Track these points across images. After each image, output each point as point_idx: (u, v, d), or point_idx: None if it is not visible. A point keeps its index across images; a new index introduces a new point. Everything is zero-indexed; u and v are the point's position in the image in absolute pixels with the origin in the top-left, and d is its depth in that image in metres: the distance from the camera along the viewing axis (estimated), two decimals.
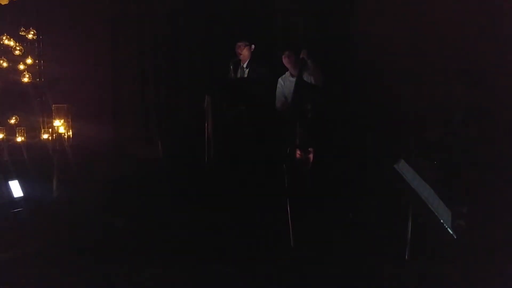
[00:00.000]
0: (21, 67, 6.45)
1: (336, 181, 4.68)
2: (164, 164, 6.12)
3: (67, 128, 6.29)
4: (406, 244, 3.51)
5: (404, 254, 3.54)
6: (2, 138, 6.10)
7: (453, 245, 3.13)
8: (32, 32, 6.58)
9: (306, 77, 4.87)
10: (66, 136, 6.26)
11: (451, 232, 2.95)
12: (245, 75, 5.13)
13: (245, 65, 5.14)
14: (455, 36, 4.70)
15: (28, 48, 6.59)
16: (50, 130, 6.26)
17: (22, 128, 6.24)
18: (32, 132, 6.30)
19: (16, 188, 5.22)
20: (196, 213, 4.82)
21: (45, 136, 6.22)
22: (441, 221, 2.95)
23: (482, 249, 3.57)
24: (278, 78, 5.13)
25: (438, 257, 3.54)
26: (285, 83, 5.01)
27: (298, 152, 4.68)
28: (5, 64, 6.38)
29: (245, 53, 5.09)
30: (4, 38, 6.45)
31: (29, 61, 6.51)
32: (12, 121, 6.34)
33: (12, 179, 5.24)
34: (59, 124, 6.26)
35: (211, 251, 4.08)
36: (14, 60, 6.46)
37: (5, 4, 6.28)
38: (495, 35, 4.61)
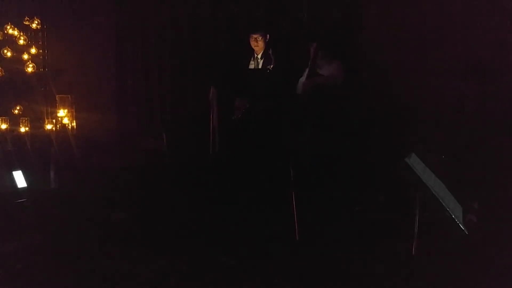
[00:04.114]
0: (25, 56, 6.41)
1: (344, 174, 4.65)
2: (168, 156, 6.08)
3: (71, 119, 6.27)
4: (413, 239, 3.47)
5: (411, 249, 3.50)
6: (6, 128, 6.08)
7: (463, 241, 3.10)
8: (36, 22, 6.52)
9: (325, 70, 4.82)
10: (70, 127, 6.24)
11: (462, 228, 2.92)
12: (260, 66, 5.04)
13: (259, 56, 5.06)
14: (466, 32, 4.66)
15: (32, 37, 6.54)
16: (54, 120, 6.24)
17: (26, 118, 6.21)
18: (36, 122, 6.27)
19: (19, 179, 5.20)
20: (200, 206, 4.80)
21: (49, 126, 6.19)
22: (452, 216, 2.92)
23: (494, 245, 3.55)
24: (291, 69, 5.06)
25: (447, 253, 3.51)
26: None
27: (305, 144, 4.65)
28: (9, 54, 6.34)
29: (260, 44, 5.01)
30: (8, 27, 6.40)
31: (33, 50, 6.47)
32: (16, 111, 6.31)
33: (16, 169, 5.22)
34: (63, 115, 6.24)
35: (215, 244, 4.06)
36: (18, 50, 6.42)
37: None
38: (504, 31, 4.57)
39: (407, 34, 4.96)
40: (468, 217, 3.30)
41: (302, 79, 4.91)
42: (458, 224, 2.95)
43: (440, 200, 2.97)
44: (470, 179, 4.09)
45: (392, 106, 5.01)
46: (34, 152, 5.93)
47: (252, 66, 5.13)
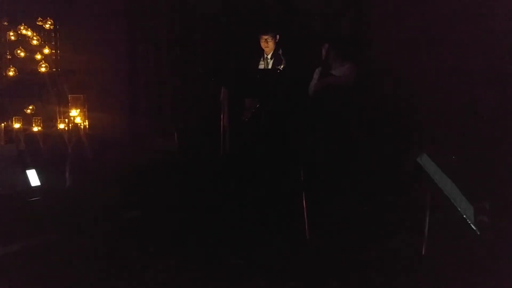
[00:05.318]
0: (38, 57, 6.48)
1: (354, 174, 4.66)
2: (179, 156, 6.11)
3: (83, 118, 6.34)
4: (423, 239, 3.47)
5: (421, 249, 3.50)
6: (19, 128, 6.15)
7: (475, 241, 3.10)
8: (49, 22, 6.60)
9: (337, 71, 4.83)
10: (82, 126, 6.30)
11: (474, 228, 2.91)
12: (270, 67, 5.06)
13: (269, 56, 5.08)
14: (482, 34, 4.64)
15: (45, 38, 6.62)
16: (66, 120, 6.30)
17: (39, 117, 6.28)
18: (49, 121, 6.33)
19: (33, 177, 5.24)
20: (211, 205, 4.82)
21: (61, 126, 6.25)
22: (464, 216, 2.91)
23: (505, 245, 3.53)
24: (301, 69, 5.08)
25: (458, 253, 3.51)
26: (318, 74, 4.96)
27: (315, 144, 4.66)
28: (22, 54, 6.41)
29: (270, 45, 5.03)
30: (21, 28, 6.48)
31: (46, 51, 6.54)
32: (29, 110, 6.38)
33: (29, 168, 5.26)
34: (75, 114, 6.30)
35: (225, 243, 4.07)
36: (31, 50, 6.49)
37: None
38: None
39: (421, 36, 4.95)
40: (480, 217, 3.28)
41: (314, 79, 4.92)
42: (470, 224, 2.95)
43: (451, 200, 2.97)
44: (482, 179, 4.07)
45: (404, 106, 5.01)
46: (46, 151, 5.98)
47: (262, 66, 5.14)
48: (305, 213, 4.26)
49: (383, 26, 5.23)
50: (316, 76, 4.94)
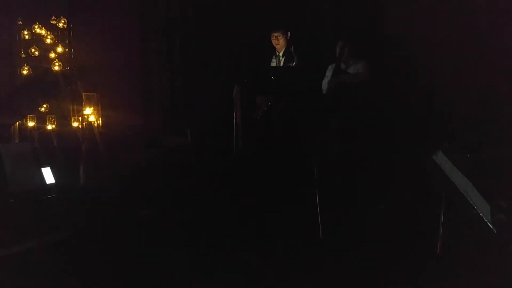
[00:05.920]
0: (52, 55, 6.52)
1: (369, 173, 4.63)
2: (192, 153, 6.12)
3: (97, 117, 6.37)
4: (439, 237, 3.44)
5: (436, 248, 3.47)
6: (33, 126, 6.20)
7: (492, 240, 3.06)
8: (63, 21, 6.63)
9: (352, 68, 4.80)
10: (96, 124, 6.34)
11: (491, 226, 2.88)
12: (281, 64, 5.05)
13: (281, 54, 5.06)
14: (496, 29, 4.57)
15: (59, 36, 6.65)
16: (80, 118, 6.34)
17: (53, 116, 6.33)
18: (63, 120, 6.37)
19: (48, 175, 5.28)
20: (224, 203, 4.82)
21: (75, 124, 6.30)
22: (480, 214, 2.88)
23: None
24: (313, 67, 5.06)
25: (474, 252, 3.47)
26: (331, 71, 4.94)
27: (329, 142, 4.64)
28: (36, 53, 6.46)
29: (281, 42, 5.01)
30: (35, 27, 6.52)
31: (59, 49, 6.58)
32: (43, 109, 6.43)
33: (44, 166, 5.30)
34: (89, 113, 6.34)
35: (238, 242, 4.07)
36: (45, 49, 6.53)
37: None
38: None
39: (436, 31, 4.90)
40: (497, 216, 3.24)
41: (327, 77, 4.90)
42: (486, 222, 2.91)
43: (468, 198, 2.93)
44: (499, 177, 4.02)
45: (419, 104, 4.97)
46: (61, 149, 6.02)
47: (274, 64, 5.14)
48: (318, 212, 4.24)
49: (398, 23, 5.19)
50: (329, 73, 4.92)
